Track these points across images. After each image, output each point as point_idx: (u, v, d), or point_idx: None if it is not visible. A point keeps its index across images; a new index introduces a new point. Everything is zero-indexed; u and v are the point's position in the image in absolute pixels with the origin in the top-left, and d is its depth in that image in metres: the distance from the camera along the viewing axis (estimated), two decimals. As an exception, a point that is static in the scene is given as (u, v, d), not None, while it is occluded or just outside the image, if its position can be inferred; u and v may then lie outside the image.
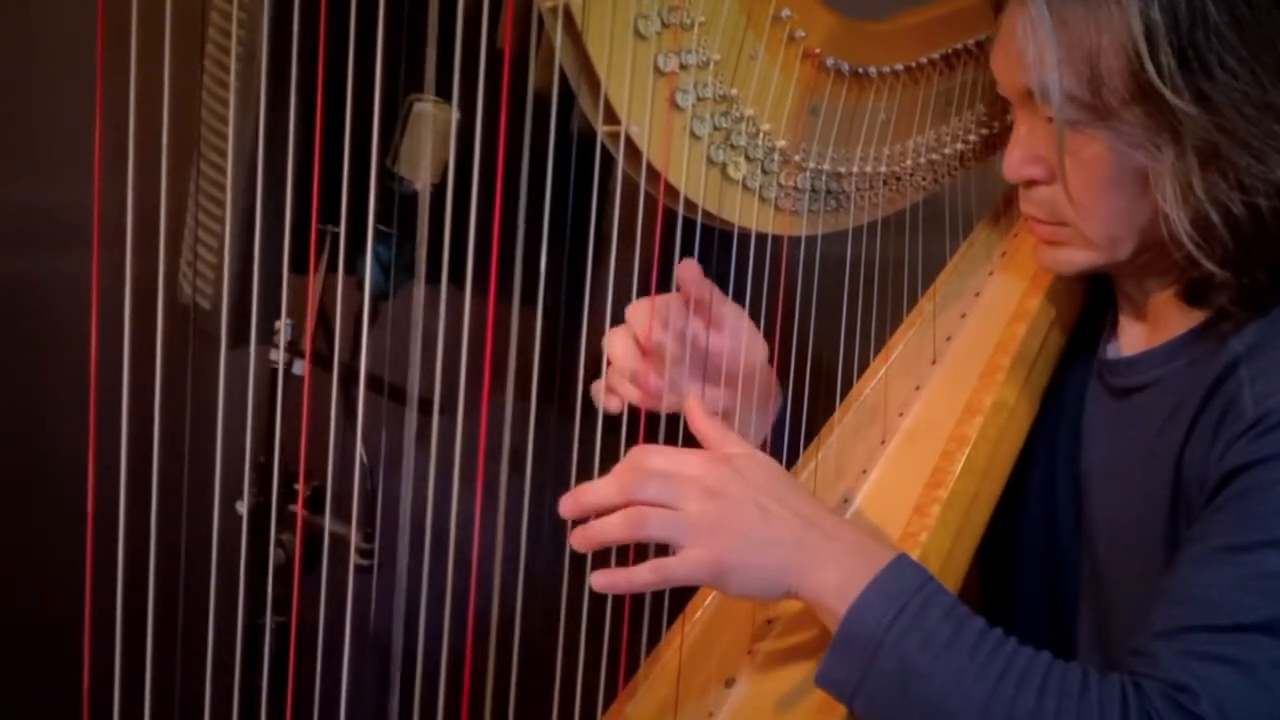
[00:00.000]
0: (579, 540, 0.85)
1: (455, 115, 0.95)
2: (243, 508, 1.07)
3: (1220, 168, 0.85)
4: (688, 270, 0.97)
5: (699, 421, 0.91)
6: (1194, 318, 0.94)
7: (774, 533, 0.84)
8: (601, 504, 0.85)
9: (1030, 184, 0.97)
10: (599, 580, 0.84)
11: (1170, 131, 0.86)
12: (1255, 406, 0.84)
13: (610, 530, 0.85)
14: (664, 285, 0.96)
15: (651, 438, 0.94)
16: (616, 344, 1.00)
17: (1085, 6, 0.87)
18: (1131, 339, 1.02)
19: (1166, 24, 0.84)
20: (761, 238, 1.01)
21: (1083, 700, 0.77)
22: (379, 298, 1.04)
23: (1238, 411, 0.85)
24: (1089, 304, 1.09)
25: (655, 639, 0.99)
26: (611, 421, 0.96)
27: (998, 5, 0.95)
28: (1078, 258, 0.97)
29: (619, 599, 0.88)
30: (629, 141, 0.92)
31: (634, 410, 0.96)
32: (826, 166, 1.02)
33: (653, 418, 0.95)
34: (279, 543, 1.05)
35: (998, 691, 0.78)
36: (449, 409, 0.87)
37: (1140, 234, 0.93)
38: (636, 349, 1.00)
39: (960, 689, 0.78)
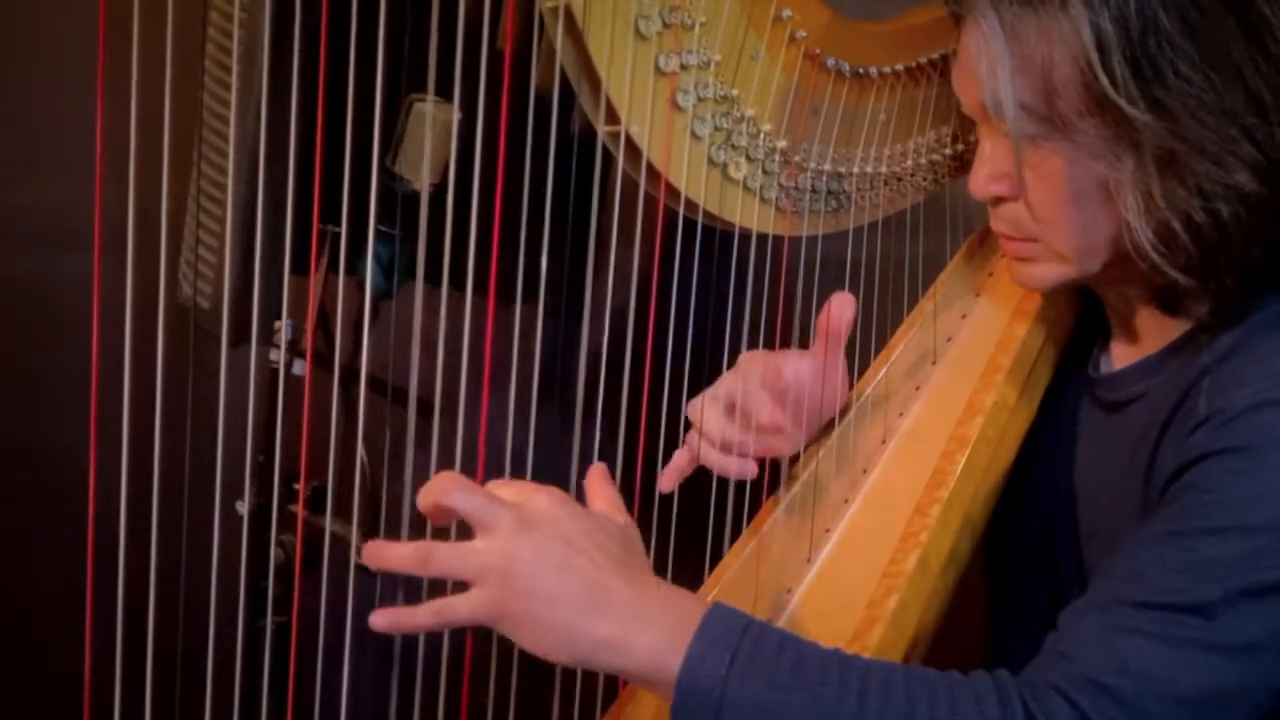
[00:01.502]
0: (368, 555, 0.77)
1: (456, 115, 0.95)
2: (243, 508, 1.07)
3: (1179, 175, 0.84)
4: (845, 308, 1.00)
5: (599, 482, 0.86)
6: (1176, 330, 0.94)
7: (568, 586, 0.76)
8: (425, 503, 0.78)
9: (998, 201, 0.96)
10: (377, 620, 0.77)
11: (1128, 141, 0.85)
12: (1208, 405, 0.84)
13: (396, 557, 0.77)
14: (664, 286, 0.96)
15: (652, 439, 0.95)
16: (711, 416, 1.01)
17: (1037, 19, 0.86)
18: (1120, 353, 1.02)
19: (1118, 33, 0.83)
20: (762, 238, 1.01)
21: (953, 691, 0.77)
22: (380, 298, 1.04)
23: (1195, 414, 0.85)
24: (1085, 318, 1.08)
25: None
26: (611, 423, 0.96)
27: (957, 22, 0.94)
28: (1050, 273, 0.96)
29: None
30: (629, 142, 0.92)
31: (633, 411, 0.96)
32: (827, 167, 1.02)
33: (652, 421, 0.95)
34: (279, 543, 1.05)
35: (864, 704, 0.75)
36: (449, 409, 0.87)
37: (1109, 245, 0.92)
38: (729, 418, 1.00)
39: (823, 713, 0.75)
